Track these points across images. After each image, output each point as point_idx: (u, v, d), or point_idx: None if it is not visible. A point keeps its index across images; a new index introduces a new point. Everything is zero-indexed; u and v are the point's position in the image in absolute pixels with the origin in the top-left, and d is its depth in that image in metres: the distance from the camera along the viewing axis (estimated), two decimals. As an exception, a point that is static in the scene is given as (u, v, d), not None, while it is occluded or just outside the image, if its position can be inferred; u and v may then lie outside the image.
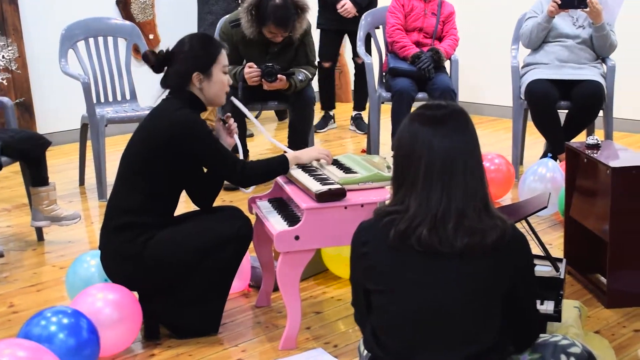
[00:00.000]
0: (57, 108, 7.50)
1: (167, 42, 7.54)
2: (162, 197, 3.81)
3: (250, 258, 4.31)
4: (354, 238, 2.83)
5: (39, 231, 5.24)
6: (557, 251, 4.61)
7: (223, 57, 3.90)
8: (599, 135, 5.28)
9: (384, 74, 6.70)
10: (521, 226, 3.69)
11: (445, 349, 2.63)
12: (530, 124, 6.15)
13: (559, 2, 5.79)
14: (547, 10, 5.88)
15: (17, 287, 4.55)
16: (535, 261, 3.69)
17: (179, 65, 3.86)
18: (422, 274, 2.64)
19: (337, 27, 7.58)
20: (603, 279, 4.10)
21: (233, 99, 4.13)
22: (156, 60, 3.93)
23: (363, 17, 6.88)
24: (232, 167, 3.86)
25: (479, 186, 2.70)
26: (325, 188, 3.61)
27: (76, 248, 4.94)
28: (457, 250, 2.59)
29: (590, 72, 5.88)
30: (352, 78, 8.63)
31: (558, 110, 5.87)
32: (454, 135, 2.69)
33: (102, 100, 6.35)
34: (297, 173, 3.89)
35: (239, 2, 6.92)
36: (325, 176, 3.81)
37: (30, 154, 5.01)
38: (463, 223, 2.62)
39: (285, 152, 4.05)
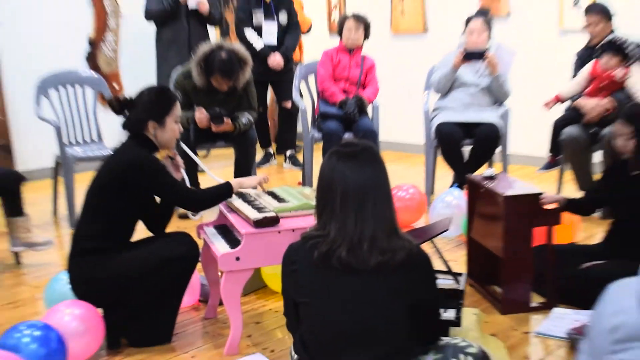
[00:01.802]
0: (33, 148, 7.44)
1: (130, 90, 7.56)
2: (120, 225, 3.81)
3: (199, 277, 4.32)
4: (284, 257, 2.87)
5: (17, 255, 5.18)
6: (462, 267, 4.65)
7: (176, 109, 3.91)
8: (497, 168, 5.40)
9: (316, 117, 6.72)
10: (430, 246, 3.78)
11: (360, 352, 2.67)
12: (440, 159, 6.22)
13: (463, 55, 5.92)
14: (454, 62, 5.99)
15: None
16: (440, 276, 3.76)
17: (138, 112, 3.87)
18: (341, 288, 2.69)
19: (263, 79, 7.50)
20: (499, 290, 4.16)
21: (181, 143, 4.15)
22: (118, 105, 3.94)
23: (297, 68, 6.91)
24: (184, 194, 3.91)
25: (388, 212, 2.75)
26: (261, 216, 3.63)
27: (50, 269, 4.86)
28: (370, 267, 2.64)
29: (489, 115, 5.97)
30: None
31: (463, 147, 5.97)
32: (365, 169, 2.74)
33: (72, 141, 6.32)
34: (238, 203, 3.91)
35: (192, 54, 6.97)
36: (262, 205, 3.83)
37: (6, 188, 4.97)
38: (376, 244, 2.67)
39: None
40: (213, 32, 7.57)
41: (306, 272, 2.79)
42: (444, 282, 3.66)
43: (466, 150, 6.06)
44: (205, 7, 7.18)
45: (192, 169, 4.99)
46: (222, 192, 3.99)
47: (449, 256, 4.95)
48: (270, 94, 7.97)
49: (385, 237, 2.70)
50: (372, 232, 2.69)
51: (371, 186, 2.73)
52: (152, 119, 3.81)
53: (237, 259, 3.60)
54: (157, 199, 3.98)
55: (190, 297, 4.20)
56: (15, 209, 5.00)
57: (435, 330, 2.90)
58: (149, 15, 7.34)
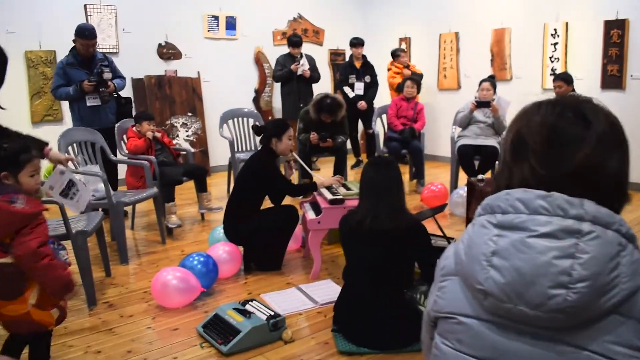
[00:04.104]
0: (218, 153, 7.66)
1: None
2: (253, 199, 3.94)
3: (302, 231, 4.44)
4: (340, 222, 2.99)
5: (202, 215, 5.40)
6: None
7: (289, 131, 4.00)
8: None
9: (385, 139, 6.76)
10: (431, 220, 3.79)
11: (375, 279, 2.76)
12: (460, 167, 6.17)
13: (475, 104, 5.86)
14: (469, 108, 5.94)
15: (187, 241, 4.73)
16: (438, 239, 3.79)
17: (267, 133, 4.00)
18: (365, 241, 2.78)
19: (355, 115, 7.50)
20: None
21: (295, 155, 4.27)
22: (256, 129, 4.10)
23: (376, 110, 6.96)
24: (286, 188, 4.02)
25: (397, 199, 2.83)
26: (333, 197, 3.76)
27: (219, 223, 4.98)
28: (384, 230, 2.73)
29: (492, 141, 5.86)
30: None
31: (474, 161, 5.91)
32: (383, 172, 2.83)
33: (239, 149, 6.49)
34: (323, 190, 4.02)
35: (300, 101, 7.20)
36: (336, 192, 3.95)
37: (198, 176, 5.17)
38: (389, 217, 2.76)
39: (315, 180, 4.17)
40: (315, 86, 7.60)
41: (347, 232, 2.92)
42: (441, 243, 3.70)
43: (476, 163, 5.97)
44: (307, 73, 7.26)
45: (305, 169, 5.14)
46: (310, 187, 4.09)
47: (458, 227, 4.95)
48: (360, 123, 8.01)
49: (396, 212, 2.80)
50: (388, 209, 2.78)
51: (387, 182, 2.83)
52: (274, 136, 3.96)
53: (319, 222, 3.74)
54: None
55: (294, 242, 4.31)
56: (202, 188, 5.20)
57: (431, 271, 2.94)
58: (275, 79, 7.52)
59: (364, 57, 7.56)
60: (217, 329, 2.95)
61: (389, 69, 7.96)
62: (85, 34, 5.05)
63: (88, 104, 5.17)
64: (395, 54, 7.92)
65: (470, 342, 1.06)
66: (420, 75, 7.75)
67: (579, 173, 1.02)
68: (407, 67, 7.83)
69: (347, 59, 8.35)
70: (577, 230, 0.97)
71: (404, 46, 8.76)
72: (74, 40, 5.13)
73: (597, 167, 1.02)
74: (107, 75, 5.15)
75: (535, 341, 1.00)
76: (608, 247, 0.96)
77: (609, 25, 6.30)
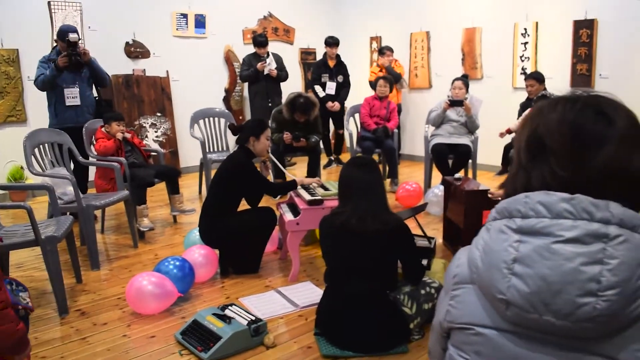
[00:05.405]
0: (189, 154, 7.52)
1: (247, 118, 7.56)
2: (230, 201, 3.84)
3: (278, 233, 4.38)
4: (320, 223, 2.92)
5: (174, 217, 5.29)
6: (439, 233, 4.62)
7: (267, 131, 3.93)
8: (469, 174, 5.31)
9: (358, 138, 6.71)
10: (414, 219, 3.76)
11: (360, 281, 2.71)
12: (434, 166, 6.15)
13: (449, 103, 5.85)
14: (443, 106, 5.92)
15: (160, 245, 4.60)
16: (419, 239, 3.76)
17: (245, 132, 3.92)
18: (350, 242, 2.72)
19: (327, 115, 7.43)
20: (461, 248, 4.10)
21: (270, 155, 4.19)
22: (233, 129, 4.02)
23: (347, 110, 6.90)
24: (266, 187, 3.94)
25: (381, 199, 2.78)
26: (312, 198, 3.70)
27: (192, 226, 4.91)
28: (370, 231, 2.68)
29: (465, 140, 5.87)
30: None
31: (448, 160, 5.90)
32: (367, 173, 2.78)
33: (211, 150, 6.40)
34: (301, 191, 3.96)
35: (269, 100, 7.20)
36: (315, 192, 3.88)
37: (170, 177, 5.07)
38: (375, 218, 2.71)
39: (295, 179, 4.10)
40: (285, 85, 7.49)
41: (329, 233, 2.85)
42: (422, 243, 3.66)
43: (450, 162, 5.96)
44: (273, 72, 7.16)
45: (279, 169, 5.05)
46: (290, 185, 4.02)
47: (433, 227, 4.92)
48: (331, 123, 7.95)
49: (380, 213, 2.75)
50: (372, 210, 2.73)
51: (371, 182, 2.77)
52: (252, 135, 3.88)
53: (297, 224, 3.67)
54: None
55: (271, 245, 4.24)
56: (174, 190, 5.09)
57: (418, 272, 2.90)
58: (242, 79, 7.41)
59: (337, 56, 7.50)
60: (197, 336, 2.85)
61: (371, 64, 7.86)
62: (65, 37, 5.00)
63: (67, 104, 5.13)
64: (380, 52, 7.75)
65: (490, 354, 1.00)
66: (398, 75, 7.71)
67: (603, 174, 0.97)
68: (388, 68, 7.68)
69: (317, 57, 8.28)
70: (604, 234, 0.92)
71: (375, 46, 8.73)
72: (55, 40, 5.19)
73: (621, 167, 0.97)
74: (73, 35, 4.98)
75: (560, 352, 0.95)
76: (637, 252, 0.91)
77: (578, 25, 6.38)
